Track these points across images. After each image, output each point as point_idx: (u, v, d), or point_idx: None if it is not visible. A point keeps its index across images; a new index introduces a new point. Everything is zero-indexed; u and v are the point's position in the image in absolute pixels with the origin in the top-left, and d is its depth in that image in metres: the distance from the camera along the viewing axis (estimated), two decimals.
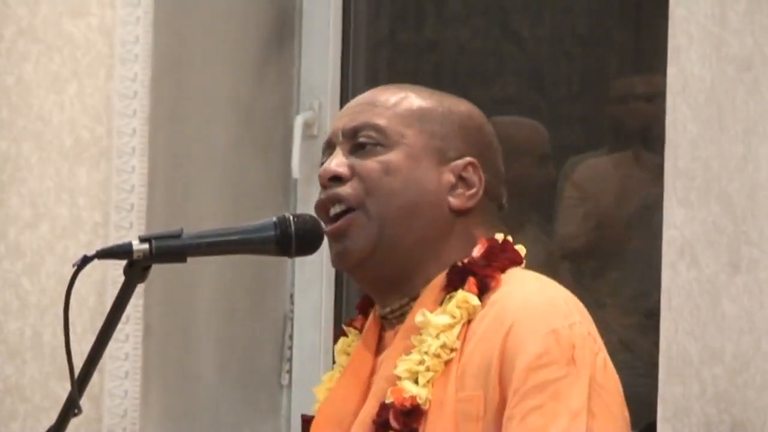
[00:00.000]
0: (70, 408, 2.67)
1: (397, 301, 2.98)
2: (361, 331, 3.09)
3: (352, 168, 2.91)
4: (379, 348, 3.01)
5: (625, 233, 5.31)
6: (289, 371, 5.72)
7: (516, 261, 2.88)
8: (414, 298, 2.96)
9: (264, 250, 2.87)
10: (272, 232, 2.80)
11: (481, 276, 2.93)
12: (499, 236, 2.96)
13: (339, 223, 2.89)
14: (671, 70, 4.41)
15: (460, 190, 2.95)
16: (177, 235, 2.77)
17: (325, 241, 2.91)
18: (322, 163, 3.00)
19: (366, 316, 3.11)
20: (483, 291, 2.90)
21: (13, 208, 5.30)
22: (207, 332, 5.39)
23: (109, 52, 5.19)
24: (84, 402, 2.72)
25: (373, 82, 5.28)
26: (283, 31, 5.56)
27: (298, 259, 4.81)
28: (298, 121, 5.42)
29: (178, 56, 5.30)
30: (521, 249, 2.90)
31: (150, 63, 5.15)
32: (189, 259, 2.81)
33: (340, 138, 2.98)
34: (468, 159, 2.94)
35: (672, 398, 4.44)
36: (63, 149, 5.08)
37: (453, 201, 2.92)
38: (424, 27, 5.89)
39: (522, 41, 5.79)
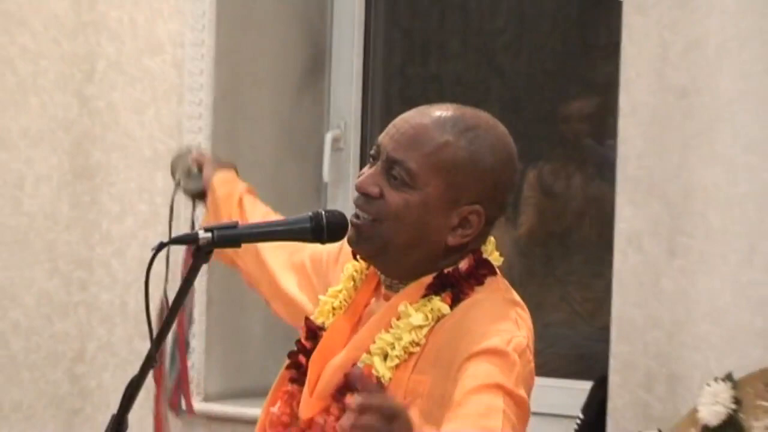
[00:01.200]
0: (149, 361, 2.76)
1: (391, 280, 3.04)
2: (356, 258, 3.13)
3: (381, 192, 2.90)
4: (376, 292, 3.06)
5: (576, 223, 5.35)
6: None
7: (492, 273, 2.93)
8: (406, 283, 3.00)
9: (302, 238, 2.93)
10: (308, 224, 2.86)
11: (457, 291, 2.96)
12: (485, 247, 3.00)
13: (359, 224, 2.90)
14: (623, 97, 4.55)
15: (459, 231, 2.95)
16: (233, 227, 2.88)
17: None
18: (368, 163, 3.02)
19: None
20: (455, 302, 2.92)
21: (105, 204, 5.40)
22: (256, 302, 5.54)
23: (180, 82, 5.29)
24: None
25: (387, 107, 5.64)
26: (316, 66, 5.59)
27: None
28: (328, 137, 5.47)
29: (234, 85, 5.35)
30: (497, 260, 2.95)
31: (212, 91, 5.22)
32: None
33: (384, 156, 2.97)
34: (474, 207, 2.93)
35: (621, 355, 4.64)
36: (143, 158, 5.24)
37: (450, 239, 2.93)
38: (428, 63, 5.90)
39: (504, 74, 5.82)
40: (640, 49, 4.72)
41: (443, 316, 2.90)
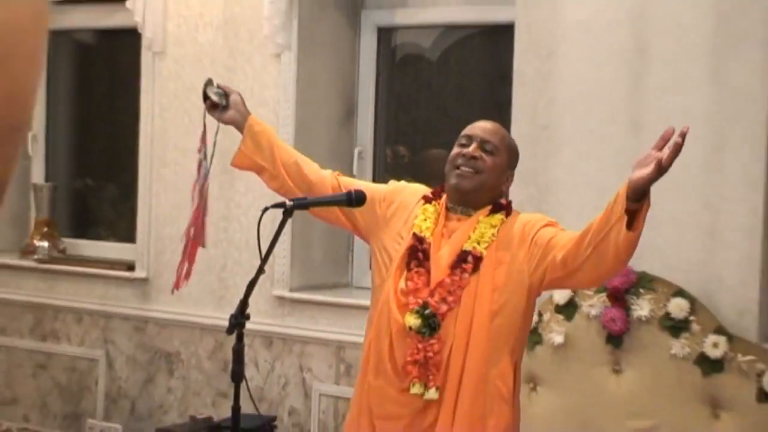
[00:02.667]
0: (259, 271, 3.41)
1: (466, 208, 3.41)
2: (429, 203, 3.43)
3: (481, 156, 3.36)
4: (448, 221, 3.39)
5: None
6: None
7: (510, 208, 3.41)
8: (475, 209, 3.39)
9: (340, 204, 3.48)
10: (345, 197, 3.43)
11: (506, 212, 3.38)
12: (509, 199, 3.53)
13: (465, 173, 3.34)
14: (513, 128, 4.68)
15: (506, 183, 3.49)
16: (305, 199, 3.47)
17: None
18: (462, 144, 3.43)
19: (433, 199, 3.46)
20: (507, 215, 3.37)
21: (237, 188, 5.56)
22: (316, 237, 5.65)
23: (276, 120, 5.40)
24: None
25: (388, 136, 5.87)
26: (349, 111, 5.76)
27: None
28: (356, 151, 5.66)
29: (306, 121, 5.49)
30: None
31: (294, 124, 5.42)
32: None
33: (478, 139, 3.40)
34: (510, 172, 3.51)
35: None
36: None
37: (503, 186, 3.47)
38: (410, 111, 6.01)
39: (451, 118, 5.75)
40: (523, 103, 4.84)
41: (502, 222, 3.35)
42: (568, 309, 4.67)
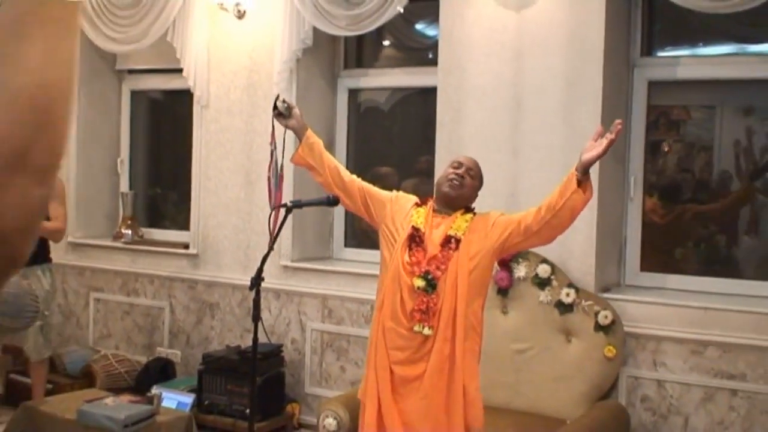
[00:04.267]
0: (270, 250, 3.47)
1: (448, 210, 3.36)
2: (420, 207, 3.37)
3: (466, 176, 3.35)
4: (434, 219, 3.32)
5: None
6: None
7: (473, 212, 3.36)
8: (453, 212, 3.35)
9: (323, 205, 3.52)
10: (326, 200, 3.45)
11: (473, 213, 3.35)
12: (473, 205, 3.42)
13: (457, 183, 3.33)
14: (437, 154, 4.79)
15: (475, 195, 3.43)
16: (299, 201, 3.53)
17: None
18: (455, 167, 3.38)
19: (422, 204, 3.39)
20: (474, 214, 3.33)
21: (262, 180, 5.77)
22: (309, 222, 5.62)
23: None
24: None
25: (358, 162, 5.70)
26: (331, 144, 5.59)
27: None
28: None
29: None
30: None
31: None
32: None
33: (464, 167, 3.38)
34: (479, 184, 3.44)
35: None
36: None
37: (474, 197, 3.41)
38: (371, 143, 5.84)
39: (399, 149, 5.81)
40: (442, 139, 4.84)
41: (472, 218, 3.30)
42: None
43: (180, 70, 5.84)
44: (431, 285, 3.17)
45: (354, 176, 3.51)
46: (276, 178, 3.78)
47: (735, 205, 4.79)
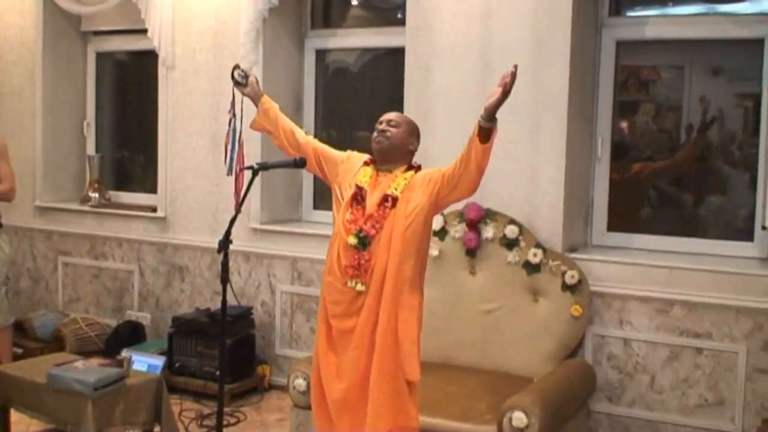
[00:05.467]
0: (237, 212, 3.33)
1: (388, 166, 3.34)
2: (368, 166, 3.37)
3: (388, 128, 3.32)
4: (377, 177, 3.32)
5: None
6: None
7: (419, 169, 3.32)
8: (395, 167, 3.33)
9: (290, 167, 3.42)
10: (293, 162, 3.39)
11: (414, 170, 3.32)
12: (417, 163, 3.39)
13: (382, 139, 3.32)
14: (406, 114, 4.97)
15: (411, 145, 3.37)
16: (266, 163, 3.38)
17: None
18: (379, 122, 3.36)
19: (370, 164, 3.38)
20: (416, 171, 3.30)
21: None
22: (279, 185, 5.58)
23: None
24: None
25: (325, 123, 5.66)
26: (298, 105, 5.61)
27: None
28: (303, 132, 4.78)
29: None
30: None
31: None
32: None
33: (385, 121, 3.35)
34: (413, 139, 3.38)
35: None
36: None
37: (410, 147, 3.36)
38: (341, 106, 5.75)
39: (368, 111, 5.61)
40: (411, 99, 4.79)
41: (412, 176, 3.28)
42: (441, 233, 4.64)
43: (145, 31, 5.74)
44: (363, 242, 3.20)
45: (310, 137, 3.55)
46: (233, 144, 3.83)
47: (687, 160, 4.79)
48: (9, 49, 6.47)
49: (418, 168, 3.34)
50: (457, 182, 3.13)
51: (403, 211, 3.19)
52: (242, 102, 3.68)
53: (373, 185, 3.30)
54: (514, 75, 2.94)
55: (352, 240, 3.22)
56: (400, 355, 3.20)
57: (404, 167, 3.32)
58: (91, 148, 6.55)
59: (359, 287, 3.21)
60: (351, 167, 3.38)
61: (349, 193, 3.30)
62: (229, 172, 3.88)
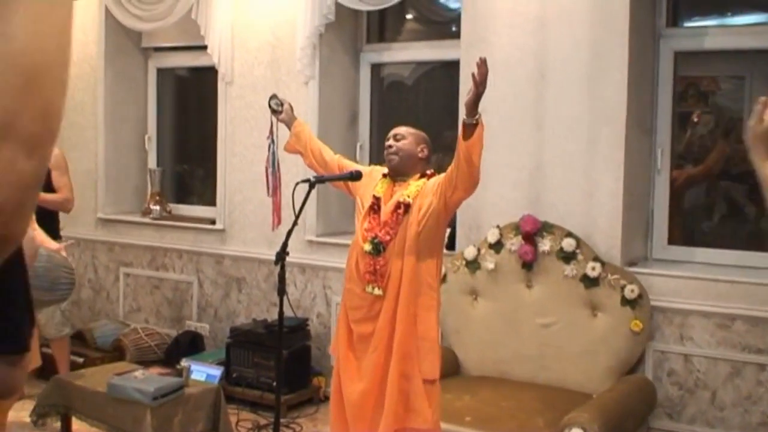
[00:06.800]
0: (294, 224, 3.45)
1: (403, 177, 3.44)
2: (386, 178, 3.49)
3: (394, 143, 3.44)
4: (394, 187, 3.44)
5: None
6: None
7: (432, 175, 3.43)
8: (409, 177, 3.43)
9: (346, 180, 3.55)
10: (349, 176, 3.53)
11: (428, 177, 3.41)
12: (430, 170, 3.49)
13: (390, 155, 3.45)
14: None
15: (421, 153, 3.46)
16: (323, 176, 3.61)
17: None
18: (387, 138, 3.52)
19: (386, 177, 3.49)
20: (428, 179, 3.39)
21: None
22: (333, 202, 5.60)
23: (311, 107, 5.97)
24: None
25: (379, 135, 5.55)
26: (354, 119, 5.66)
27: None
28: (358, 144, 5.57)
29: (329, 123, 5.39)
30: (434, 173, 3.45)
31: (317, 125, 5.22)
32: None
33: (391, 137, 3.48)
34: (422, 146, 3.47)
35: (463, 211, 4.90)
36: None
37: (420, 155, 3.45)
38: (395, 118, 5.33)
39: (423, 123, 6.27)
40: None
41: (424, 183, 3.36)
42: (497, 246, 4.61)
43: (205, 47, 5.79)
44: (377, 249, 3.31)
45: (336, 155, 3.72)
46: (273, 167, 4.05)
47: (717, 164, 4.74)
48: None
49: (432, 175, 3.42)
50: (456, 182, 3.18)
51: (415, 216, 3.28)
52: (278, 128, 3.94)
53: (389, 195, 3.40)
54: (481, 68, 3.00)
55: (367, 247, 3.32)
56: (419, 355, 3.27)
57: (418, 176, 3.42)
58: (152, 162, 6.62)
59: (377, 292, 3.30)
60: (372, 180, 3.49)
61: (367, 204, 3.43)
62: (270, 193, 4.10)
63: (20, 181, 0.66)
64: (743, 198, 4.81)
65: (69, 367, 5.21)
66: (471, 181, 3.16)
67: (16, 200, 0.66)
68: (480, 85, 3.01)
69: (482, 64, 3.02)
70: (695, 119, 4.86)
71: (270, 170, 4.04)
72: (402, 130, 3.49)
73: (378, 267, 3.29)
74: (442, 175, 3.31)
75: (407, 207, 3.31)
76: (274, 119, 3.86)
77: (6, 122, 0.65)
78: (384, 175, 3.48)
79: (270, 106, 3.81)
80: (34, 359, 4.84)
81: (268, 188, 4.08)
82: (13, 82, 0.65)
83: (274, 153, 4.01)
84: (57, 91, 0.70)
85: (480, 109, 4.46)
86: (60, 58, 0.70)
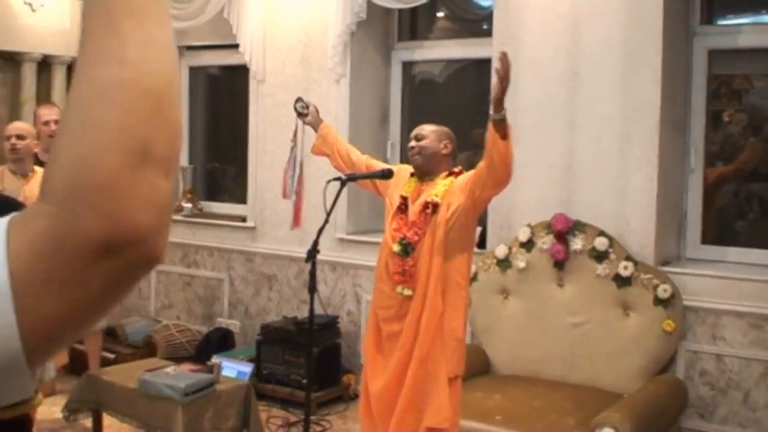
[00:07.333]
0: (325, 222, 3.47)
1: (430, 176, 3.45)
2: (413, 177, 3.50)
3: (417, 144, 3.45)
4: (421, 186, 3.45)
5: None
6: None
7: (460, 173, 3.43)
8: (436, 176, 3.44)
9: (377, 178, 3.56)
10: (380, 173, 3.53)
11: (453, 176, 3.41)
12: (458, 167, 3.50)
13: (414, 155, 3.46)
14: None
15: (445, 149, 3.46)
16: (354, 174, 3.60)
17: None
18: (409, 139, 3.56)
19: (414, 176, 3.50)
20: (456, 176, 3.40)
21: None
22: (363, 199, 5.58)
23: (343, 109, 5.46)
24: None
25: (408, 131, 5.94)
26: (384, 117, 5.68)
27: None
28: (389, 144, 5.61)
29: (360, 119, 5.42)
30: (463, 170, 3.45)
31: (348, 124, 5.32)
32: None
33: (413, 136, 3.50)
34: (445, 142, 3.47)
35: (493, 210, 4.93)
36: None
37: (444, 151, 3.45)
38: (426, 116, 5.13)
39: (454, 122, 6.51)
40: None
41: (452, 181, 3.36)
42: (528, 244, 4.60)
43: (236, 46, 5.81)
44: (405, 249, 3.32)
45: (365, 156, 3.72)
46: (294, 171, 4.12)
47: (750, 161, 4.71)
48: None
49: (460, 173, 3.42)
50: (485, 180, 3.17)
51: (443, 216, 3.26)
52: (303, 131, 3.99)
53: (417, 194, 3.40)
54: (504, 61, 2.99)
55: (396, 247, 3.32)
56: (445, 353, 3.27)
57: (445, 174, 3.41)
58: (184, 160, 6.59)
59: (407, 292, 3.32)
60: (401, 179, 3.49)
61: (396, 204, 3.44)
62: (287, 196, 4.16)
63: (162, 202, 0.69)
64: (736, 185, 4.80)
65: (99, 362, 5.26)
66: (505, 178, 3.16)
67: (161, 220, 0.69)
68: (504, 79, 3.00)
69: (504, 58, 3.02)
70: (727, 118, 4.82)
71: (290, 173, 4.08)
72: (423, 129, 3.49)
73: (407, 267, 3.30)
74: (471, 172, 3.31)
75: (435, 207, 3.30)
76: (300, 122, 3.88)
77: (144, 147, 0.67)
78: (411, 174, 3.49)
79: (295, 108, 3.83)
80: (60, 356, 4.97)
81: (283, 191, 4.11)
82: (143, 106, 0.67)
83: (296, 156, 4.04)
84: (178, 111, 0.72)
85: (512, 107, 4.58)
86: (175, 79, 0.71)
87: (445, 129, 3.52)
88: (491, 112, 3.03)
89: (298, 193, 4.10)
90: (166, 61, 0.70)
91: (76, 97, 0.69)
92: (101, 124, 0.66)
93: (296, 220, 4.10)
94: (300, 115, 3.82)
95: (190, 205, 6.37)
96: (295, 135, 3.99)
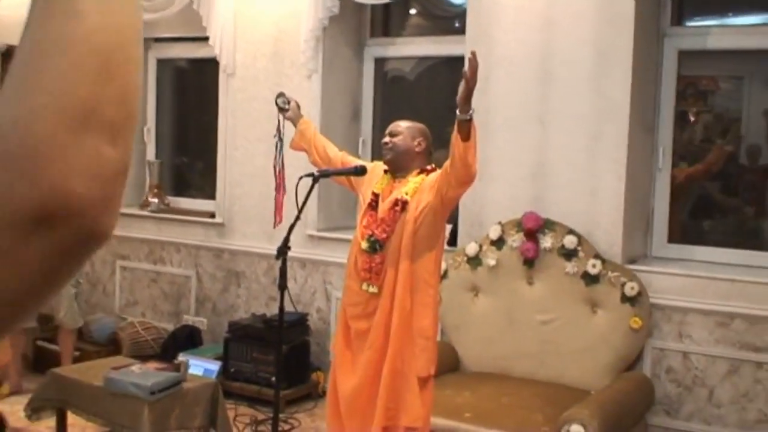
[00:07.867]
0: (296, 219, 3.43)
1: (402, 173, 3.44)
2: (386, 174, 3.50)
3: (390, 140, 3.43)
4: (393, 184, 3.45)
5: None
6: None
7: (432, 171, 3.42)
8: (408, 173, 3.43)
9: (350, 174, 3.56)
10: (353, 170, 3.52)
11: (425, 174, 3.41)
12: (430, 165, 3.47)
13: (386, 151, 3.44)
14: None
15: (418, 147, 3.45)
16: (327, 170, 3.55)
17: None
18: (384, 135, 3.52)
19: (387, 173, 3.50)
20: (427, 174, 3.39)
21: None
22: (334, 195, 5.57)
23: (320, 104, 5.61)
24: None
25: (381, 129, 5.33)
26: (356, 114, 5.69)
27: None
28: (361, 140, 5.61)
29: (331, 119, 5.38)
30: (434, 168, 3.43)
31: (319, 121, 5.15)
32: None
33: (387, 132, 3.48)
34: (419, 139, 3.45)
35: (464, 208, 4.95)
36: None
37: (416, 149, 3.44)
38: (397, 113, 5.07)
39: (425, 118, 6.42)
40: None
41: (423, 179, 3.36)
42: (499, 242, 4.63)
43: (206, 39, 5.78)
44: (373, 246, 3.31)
45: (341, 152, 3.72)
46: (280, 165, 4.09)
47: (717, 162, 4.80)
48: None
49: (432, 170, 3.40)
50: (451, 179, 3.16)
51: (412, 214, 3.27)
52: (284, 125, 3.94)
53: (389, 191, 3.40)
54: (472, 62, 2.96)
55: (364, 244, 3.32)
56: (415, 352, 3.27)
57: (417, 171, 3.41)
58: (151, 154, 6.60)
59: (372, 289, 3.32)
60: (373, 176, 3.49)
61: (367, 200, 3.44)
62: (277, 191, 4.12)
63: (107, 172, 0.62)
64: (743, 197, 4.85)
65: (72, 359, 5.21)
66: (467, 178, 3.15)
67: (105, 193, 0.62)
68: (471, 79, 2.98)
69: (473, 58, 3.00)
70: (692, 118, 4.91)
71: (277, 168, 4.10)
72: (398, 125, 3.48)
73: (374, 265, 3.30)
74: (440, 170, 3.32)
75: (404, 204, 3.31)
76: (281, 117, 3.89)
77: (86, 110, 0.61)
78: (385, 171, 3.49)
79: (277, 104, 3.85)
80: (1, 354, 4.92)
81: (278, 186, 4.12)
82: (89, 64, 0.62)
83: (281, 151, 4.05)
84: (133, 71, 0.65)
85: (484, 105, 4.61)
86: (133, 35, 0.65)
87: (420, 126, 3.52)
88: (457, 111, 3.03)
89: (280, 188, 4.11)
90: (124, 13, 0.65)
91: (19, 54, 0.62)
92: (40, 84, 0.61)
93: (278, 216, 4.11)
94: (281, 110, 3.86)
95: (156, 200, 6.33)
96: (278, 130, 3.96)
